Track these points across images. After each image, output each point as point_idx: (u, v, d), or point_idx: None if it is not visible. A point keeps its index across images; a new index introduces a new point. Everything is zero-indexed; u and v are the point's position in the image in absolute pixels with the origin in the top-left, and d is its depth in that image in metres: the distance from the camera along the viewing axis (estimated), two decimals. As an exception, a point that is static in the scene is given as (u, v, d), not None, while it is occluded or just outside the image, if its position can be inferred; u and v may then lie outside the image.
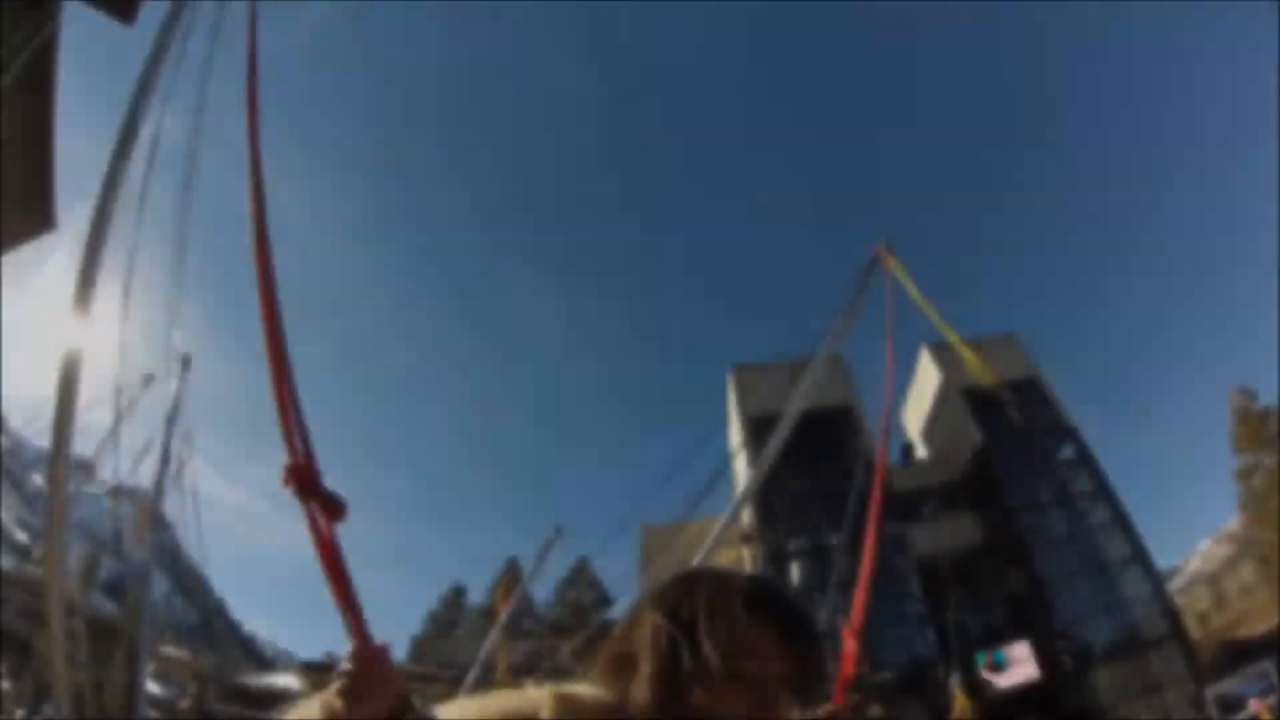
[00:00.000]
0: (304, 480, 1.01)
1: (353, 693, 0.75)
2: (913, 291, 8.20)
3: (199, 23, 5.22)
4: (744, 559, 22.56)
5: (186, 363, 19.08)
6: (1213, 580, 31.94)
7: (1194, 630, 30.67)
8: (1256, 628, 30.06)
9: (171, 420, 18.72)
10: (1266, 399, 27.14)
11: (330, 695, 0.76)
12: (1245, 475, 27.20)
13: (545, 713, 0.75)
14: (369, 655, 0.80)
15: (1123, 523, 20.43)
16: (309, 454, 1.08)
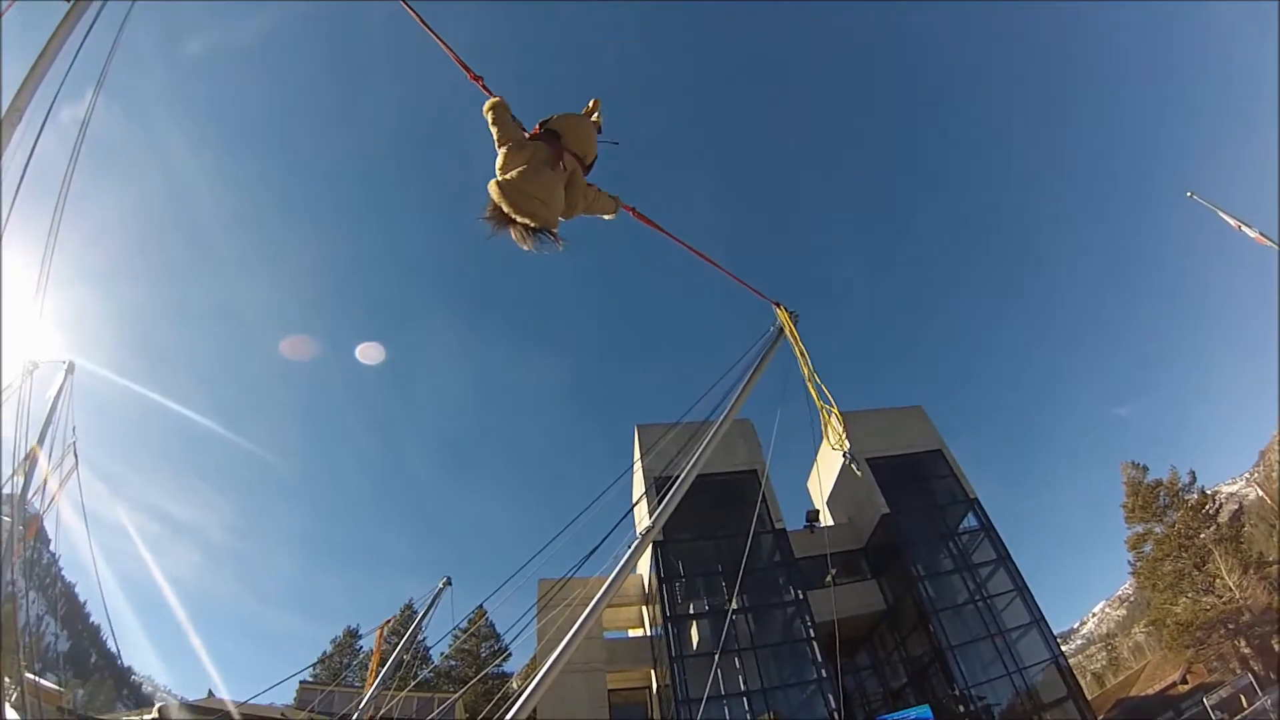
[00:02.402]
0: None
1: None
2: (802, 361, 7.98)
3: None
4: (644, 617, 22.03)
5: (70, 368, 17.44)
6: (1107, 642, 33.29)
7: (1090, 690, 31.79)
8: (1150, 686, 31.41)
9: (49, 422, 16.98)
10: (1156, 473, 28.89)
11: None
12: (1137, 543, 28.65)
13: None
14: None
15: (1022, 590, 20.79)
16: None
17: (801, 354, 8.36)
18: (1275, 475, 41.80)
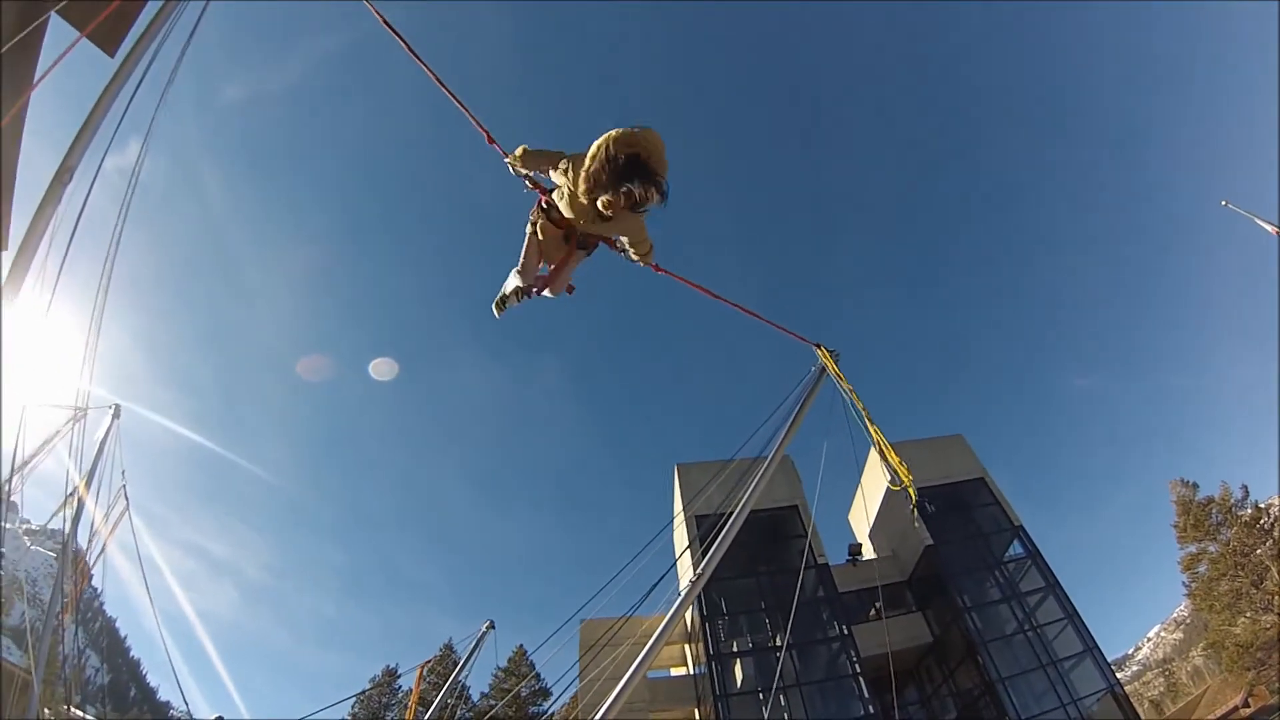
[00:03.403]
0: None
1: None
2: (847, 390, 8.02)
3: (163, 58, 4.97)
4: (686, 655, 21.72)
5: (116, 412, 18.01)
6: (1164, 667, 31.94)
7: (1149, 718, 30.50)
8: (1211, 711, 30.03)
9: (96, 464, 17.52)
10: (1207, 490, 27.92)
11: None
12: (1191, 563, 27.61)
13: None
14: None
15: (1072, 617, 20.14)
16: None
17: (851, 393, 8.37)
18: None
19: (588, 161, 2.78)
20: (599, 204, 2.87)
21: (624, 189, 2.72)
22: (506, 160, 3.39)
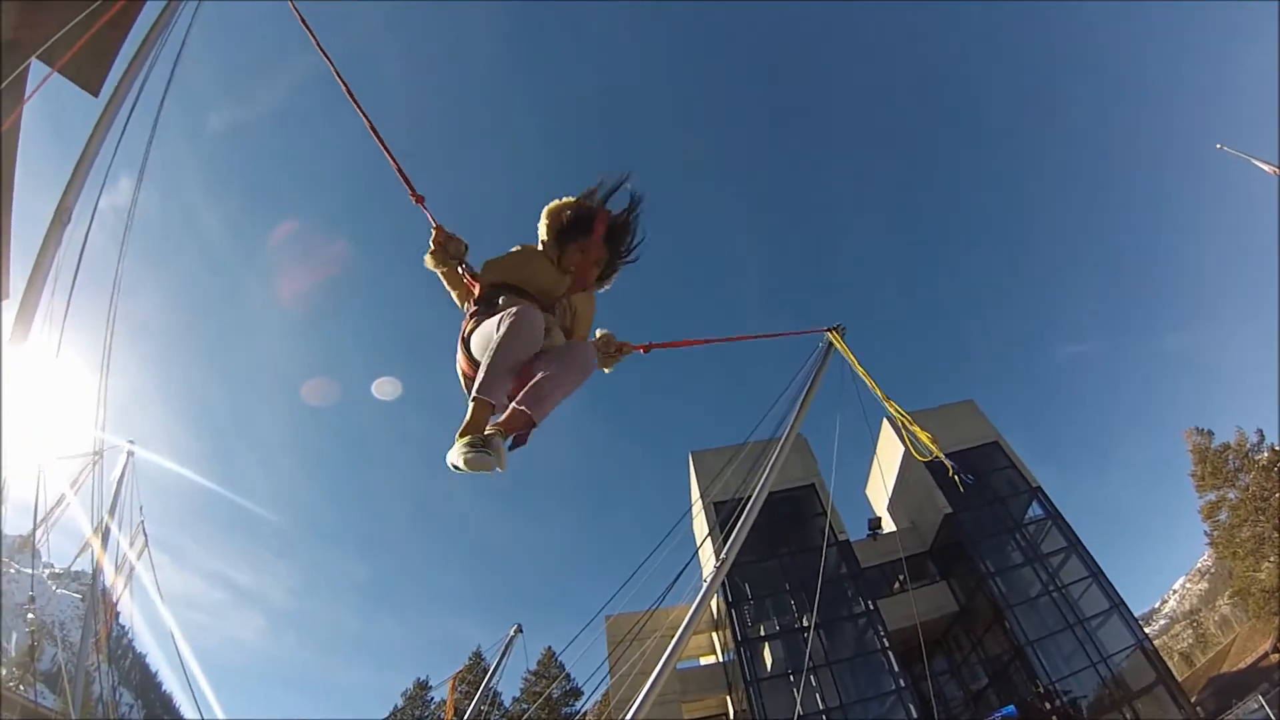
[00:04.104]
0: None
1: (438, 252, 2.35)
2: (861, 373, 8.04)
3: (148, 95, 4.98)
4: (714, 644, 21.82)
5: (131, 452, 18.17)
6: (1192, 619, 31.88)
7: (1179, 671, 30.47)
8: (1241, 660, 30.00)
9: (115, 504, 17.73)
10: (1222, 437, 27.83)
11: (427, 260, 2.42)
12: (1211, 511, 27.54)
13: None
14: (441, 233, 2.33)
15: (1096, 575, 20.14)
16: None
17: (861, 370, 8.38)
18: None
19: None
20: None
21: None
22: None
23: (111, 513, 17.22)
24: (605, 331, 2.53)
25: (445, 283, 2.44)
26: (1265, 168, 16.10)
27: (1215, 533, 27.52)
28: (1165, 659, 22.24)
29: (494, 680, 18.62)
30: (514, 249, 2.45)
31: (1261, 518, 27.21)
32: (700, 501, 15.89)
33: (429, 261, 2.40)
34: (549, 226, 2.45)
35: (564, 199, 2.47)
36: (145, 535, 17.60)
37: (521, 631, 17.27)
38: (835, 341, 8.30)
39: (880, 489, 23.20)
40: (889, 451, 20.98)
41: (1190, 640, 30.88)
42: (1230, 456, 27.68)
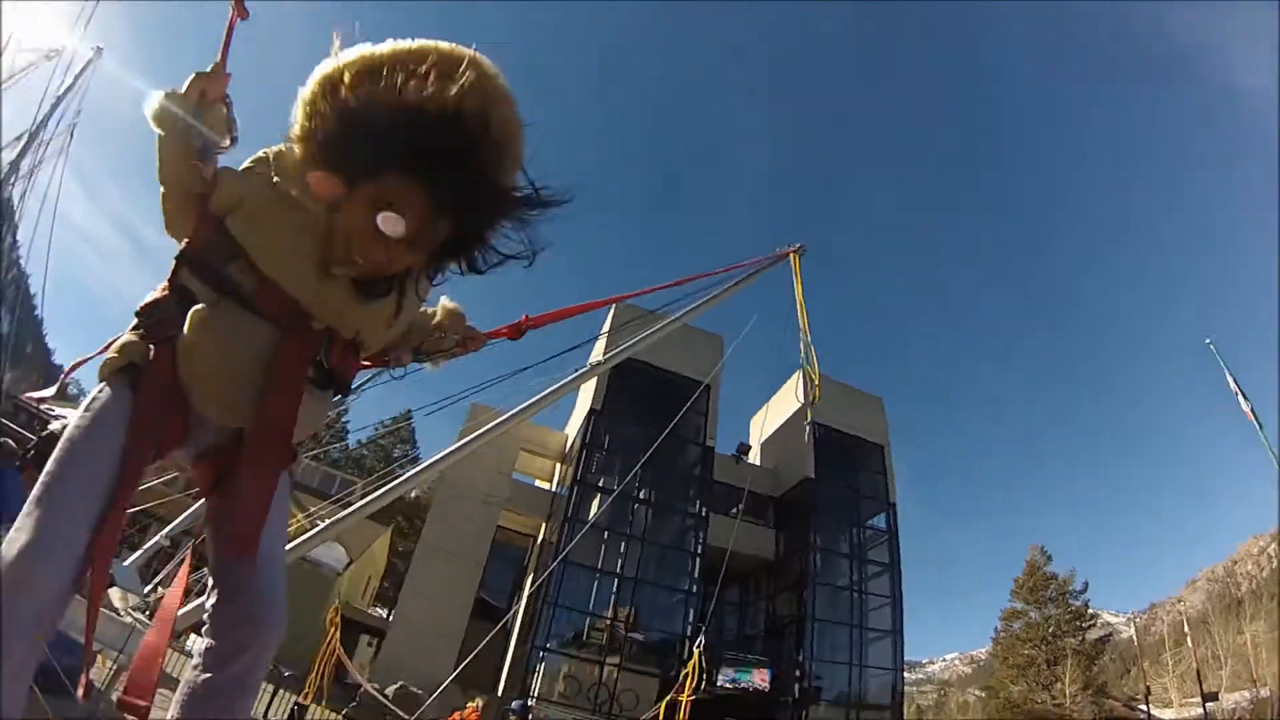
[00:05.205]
0: None
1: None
2: (799, 299, 8.04)
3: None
4: (555, 474, 22.72)
5: (98, 53, 16.68)
6: (943, 687, 35.53)
7: (910, 717, 33.96)
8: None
9: (60, 99, 16.51)
10: (1058, 566, 30.38)
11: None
12: (1010, 617, 30.30)
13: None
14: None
15: (896, 601, 21.73)
16: None
17: (800, 304, 8.45)
18: (1156, 630, 44.18)
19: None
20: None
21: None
22: None
23: (52, 110, 16.09)
24: (452, 306, 1.59)
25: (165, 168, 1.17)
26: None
27: (1003, 634, 30.35)
28: (906, 701, 24.64)
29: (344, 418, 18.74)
30: (253, 167, 1.19)
31: (1043, 646, 30.10)
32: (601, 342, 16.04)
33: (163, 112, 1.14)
34: (308, 125, 1.10)
35: (370, 50, 1.09)
36: (70, 140, 16.60)
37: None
38: (792, 261, 8.29)
39: (762, 426, 24.27)
40: (786, 401, 21.79)
41: (932, 701, 34.62)
42: (1053, 586, 30.33)
